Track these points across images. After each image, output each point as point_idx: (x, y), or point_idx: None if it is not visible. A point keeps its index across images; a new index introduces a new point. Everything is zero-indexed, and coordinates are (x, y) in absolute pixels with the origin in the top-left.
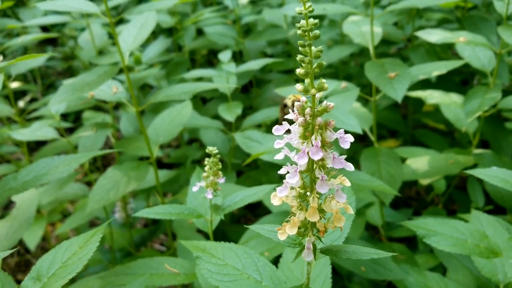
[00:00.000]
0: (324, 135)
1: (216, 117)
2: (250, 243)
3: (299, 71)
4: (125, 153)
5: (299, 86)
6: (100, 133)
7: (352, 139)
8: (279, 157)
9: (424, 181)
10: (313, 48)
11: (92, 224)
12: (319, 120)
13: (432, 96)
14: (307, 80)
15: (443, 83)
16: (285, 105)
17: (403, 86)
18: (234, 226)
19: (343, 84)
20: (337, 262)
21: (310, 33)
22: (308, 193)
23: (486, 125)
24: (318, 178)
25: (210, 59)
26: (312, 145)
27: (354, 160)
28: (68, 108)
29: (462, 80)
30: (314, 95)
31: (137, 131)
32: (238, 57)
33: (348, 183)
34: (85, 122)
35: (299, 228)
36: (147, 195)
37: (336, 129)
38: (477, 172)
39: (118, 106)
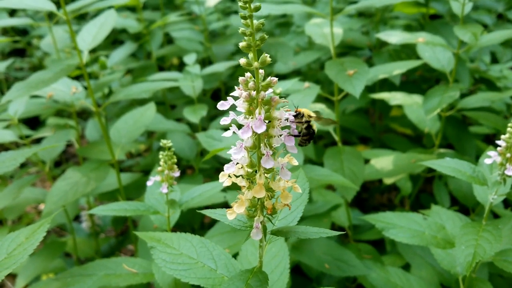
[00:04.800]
0: (272, 112)
1: (188, 124)
2: (212, 240)
3: (241, 44)
4: (90, 158)
5: (242, 60)
6: (61, 136)
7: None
8: (227, 134)
9: (388, 180)
10: (255, 21)
11: (59, 234)
12: (263, 94)
13: (395, 98)
14: (250, 54)
15: (410, 89)
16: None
17: (361, 82)
18: (206, 231)
19: (306, 84)
20: (305, 263)
21: (251, 4)
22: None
23: (451, 128)
24: (264, 154)
25: (181, 70)
26: (256, 119)
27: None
28: (30, 112)
29: (429, 87)
30: (258, 69)
31: (103, 137)
32: (208, 64)
33: (295, 162)
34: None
35: (249, 209)
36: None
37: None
38: (432, 163)
39: (88, 116)
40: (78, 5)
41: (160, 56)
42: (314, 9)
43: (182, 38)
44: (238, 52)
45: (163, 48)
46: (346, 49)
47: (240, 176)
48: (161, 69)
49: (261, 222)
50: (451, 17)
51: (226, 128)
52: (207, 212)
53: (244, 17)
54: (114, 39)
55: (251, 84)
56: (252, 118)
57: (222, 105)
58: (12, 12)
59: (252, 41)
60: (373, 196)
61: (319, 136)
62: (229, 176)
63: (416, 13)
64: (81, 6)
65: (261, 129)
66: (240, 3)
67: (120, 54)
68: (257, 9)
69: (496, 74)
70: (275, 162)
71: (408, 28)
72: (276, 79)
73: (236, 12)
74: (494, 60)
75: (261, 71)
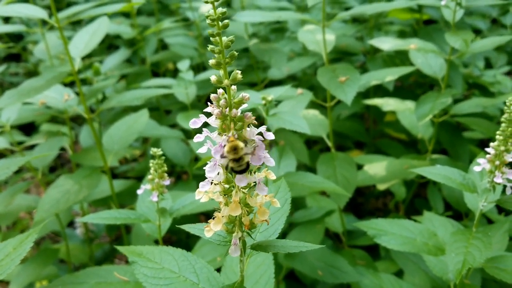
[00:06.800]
0: (244, 132)
1: (181, 130)
2: (203, 249)
3: (211, 61)
4: (83, 165)
5: (213, 77)
6: (54, 142)
7: (272, 136)
8: (202, 150)
9: (381, 186)
10: (224, 38)
11: (54, 240)
12: (235, 112)
13: (388, 103)
14: (221, 71)
15: (404, 95)
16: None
17: (353, 89)
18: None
19: (299, 90)
20: (300, 270)
21: (219, 22)
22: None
23: (444, 133)
24: None
25: (176, 75)
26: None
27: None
28: (23, 119)
29: (423, 92)
30: (229, 86)
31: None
32: (202, 69)
33: (273, 176)
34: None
35: (227, 224)
36: (108, 209)
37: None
38: (423, 171)
39: (83, 122)
40: (70, 12)
41: (154, 62)
42: (308, 15)
43: (176, 44)
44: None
45: (157, 53)
46: (340, 55)
47: (217, 192)
48: (155, 74)
49: (239, 238)
50: (445, 22)
51: None
52: (187, 227)
53: (213, 35)
54: (110, 44)
55: (222, 101)
56: (225, 135)
57: (194, 123)
58: (7, 18)
59: (222, 58)
60: (368, 200)
61: (314, 141)
62: (206, 192)
63: (410, 18)
64: (74, 13)
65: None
66: (208, 21)
67: (114, 59)
68: (226, 26)
69: (490, 80)
70: (251, 177)
71: (402, 33)
72: (248, 95)
73: (229, 18)
74: (488, 65)
75: (234, 87)
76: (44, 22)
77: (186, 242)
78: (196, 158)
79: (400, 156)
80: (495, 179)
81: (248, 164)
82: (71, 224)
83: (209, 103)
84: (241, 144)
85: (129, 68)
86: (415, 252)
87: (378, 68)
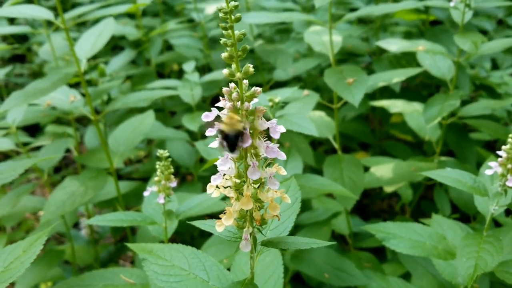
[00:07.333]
0: (256, 123)
1: (186, 131)
2: (209, 250)
3: (224, 55)
4: (88, 166)
5: (225, 71)
6: (60, 144)
7: (283, 130)
8: (213, 145)
9: (389, 188)
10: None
11: (59, 241)
12: (247, 105)
13: (395, 105)
14: (233, 65)
15: (410, 96)
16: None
17: (360, 91)
18: (206, 239)
19: (306, 92)
20: (306, 273)
21: (232, 15)
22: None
23: (451, 135)
24: (250, 165)
25: (181, 76)
26: None
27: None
28: (28, 120)
29: (429, 94)
30: (241, 80)
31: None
32: (207, 70)
33: (284, 172)
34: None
35: (238, 220)
36: (113, 210)
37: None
38: (432, 174)
39: (88, 122)
40: (76, 13)
41: (159, 63)
42: (313, 16)
43: (181, 45)
44: None
45: (162, 54)
46: (345, 56)
47: (228, 187)
48: (160, 75)
49: (250, 234)
50: (451, 23)
51: None
52: (197, 223)
53: (225, 28)
54: (114, 45)
55: (234, 95)
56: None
57: (206, 117)
58: (12, 18)
59: (234, 51)
60: (374, 202)
61: (319, 142)
62: (217, 187)
63: (416, 19)
64: (80, 14)
65: (247, 143)
66: (220, 14)
67: (119, 61)
68: (238, 19)
69: (497, 81)
70: (263, 172)
71: (408, 34)
72: (259, 89)
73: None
74: (495, 66)
75: (245, 81)
76: (49, 23)
77: (191, 243)
78: (201, 160)
79: (406, 158)
80: (507, 183)
81: (238, 138)
82: (76, 225)
83: (220, 98)
84: (237, 117)
85: (134, 69)
86: (424, 256)
87: (385, 69)
